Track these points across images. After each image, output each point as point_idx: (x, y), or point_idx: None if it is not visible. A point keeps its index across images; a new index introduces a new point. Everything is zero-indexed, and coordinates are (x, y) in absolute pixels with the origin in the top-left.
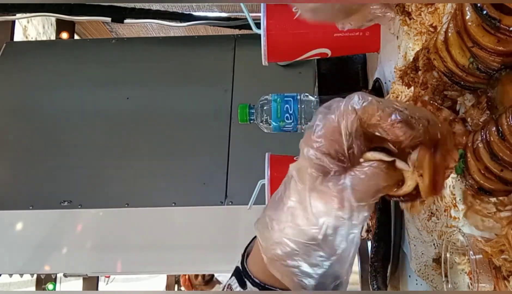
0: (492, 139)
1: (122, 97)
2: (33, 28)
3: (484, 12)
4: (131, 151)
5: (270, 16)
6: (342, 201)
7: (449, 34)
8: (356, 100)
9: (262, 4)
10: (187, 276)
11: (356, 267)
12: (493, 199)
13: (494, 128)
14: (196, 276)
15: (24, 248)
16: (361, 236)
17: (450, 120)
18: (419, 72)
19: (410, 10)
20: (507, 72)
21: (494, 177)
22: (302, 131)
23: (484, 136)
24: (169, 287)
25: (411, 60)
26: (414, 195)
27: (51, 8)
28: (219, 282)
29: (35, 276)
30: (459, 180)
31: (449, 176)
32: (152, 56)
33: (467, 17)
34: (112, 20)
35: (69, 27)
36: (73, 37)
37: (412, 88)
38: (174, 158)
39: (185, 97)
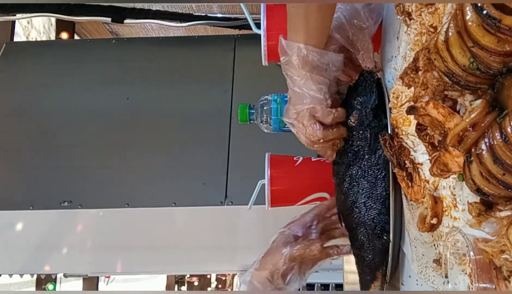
0: (495, 142)
1: (122, 97)
2: (33, 28)
3: (484, 11)
4: (131, 151)
5: (270, 16)
6: None
7: (450, 34)
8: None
9: (262, 4)
10: None
11: (355, 266)
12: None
13: (497, 132)
14: None
15: (24, 248)
16: None
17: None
18: (420, 73)
19: (410, 10)
20: (511, 76)
21: (496, 181)
22: None
23: (487, 140)
24: (169, 287)
25: (411, 60)
26: None
27: (51, 8)
28: None
29: (35, 276)
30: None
31: None
32: (152, 56)
33: (468, 17)
34: (112, 20)
35: (69, 27)
36: (73, 37)
37: (412, 88)
38: (174, 158)
39: (185, 97)
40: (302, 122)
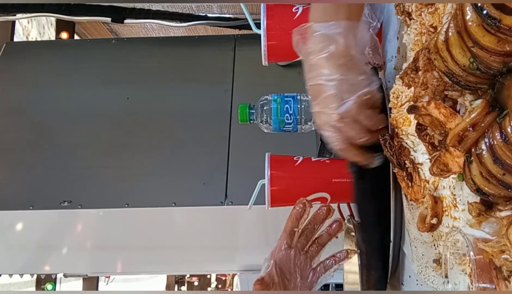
0: (495, 142)
1: (122, 97)
2: (33, 28)
3: (484, 11)
4: (131, 151)
5: (270, 16)
6: None
7: (450, 34)
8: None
9: (262, 4)
10: None
11: (356, 267)
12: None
13: (497, 132)
14: None
15: (24, 248)
16: None
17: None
18: (420, 73)
19: (410, 10)
20: (511, 76)
21: (496, 181)
22: (302, 131)
23: (487, 140)
24: (169, 287)
25: (411, 60)
26: None
27: (51, 8)
28: None
29: (35, 276)
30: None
31: None
32: (152, 56)
33: (468, 17)
34: (112, 20)
35: (69, 27)
36: (73, 37)
37: (412, 88)
38: (174, 158)
39: (185, 97)
40: (356, 118)
